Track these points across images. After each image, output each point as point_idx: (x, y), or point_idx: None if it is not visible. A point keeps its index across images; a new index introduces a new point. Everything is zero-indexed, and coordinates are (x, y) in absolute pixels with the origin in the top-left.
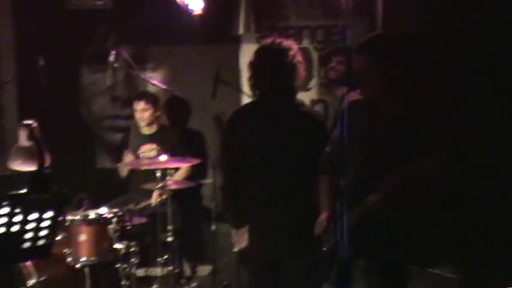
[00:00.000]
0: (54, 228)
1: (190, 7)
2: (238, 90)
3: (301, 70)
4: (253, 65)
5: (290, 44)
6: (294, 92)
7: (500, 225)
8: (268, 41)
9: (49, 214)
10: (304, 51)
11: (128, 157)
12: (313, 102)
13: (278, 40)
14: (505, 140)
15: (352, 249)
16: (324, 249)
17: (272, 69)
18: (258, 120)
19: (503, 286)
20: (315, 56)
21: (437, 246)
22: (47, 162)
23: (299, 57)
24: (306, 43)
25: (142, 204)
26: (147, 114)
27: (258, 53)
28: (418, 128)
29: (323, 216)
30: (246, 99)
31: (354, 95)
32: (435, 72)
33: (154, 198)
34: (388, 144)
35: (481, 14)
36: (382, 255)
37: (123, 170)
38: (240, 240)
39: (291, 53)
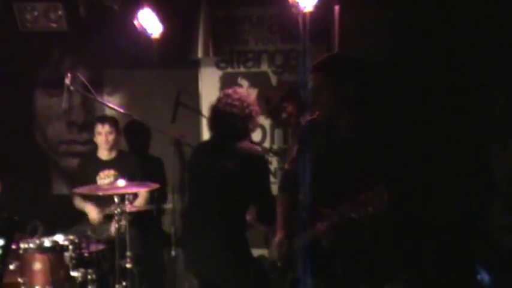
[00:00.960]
0: (5, 256)
1: (148, 31)
2: (198, 113)
3: (256, 120)
4: (213, 109)
5: (249, 94)
6: (245, 135)
7: (448, 244)
8: (230, 90)
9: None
10: (263, 76)
11: (91, 210)
12: (273, 126)
13: (239, 89)
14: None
15: (304, 269)
16: (279, 264)
17: (229, 115)
18: (203, 156)
19: None
20: (273, 80)
21: (389, 267)
22: None
23: (256, 107)
24: (264, 67)
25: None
26: (111, 138)
27: (220, 99)
28: (365, 153)
29: (276, 239)
30: (205, 123)
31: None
32: (389, 97)
33: (113, 228)
34: (338, 166)
35: (439, 38)
36: (333, 275)
37: (79, 204)
38: None
39: (249, 101)
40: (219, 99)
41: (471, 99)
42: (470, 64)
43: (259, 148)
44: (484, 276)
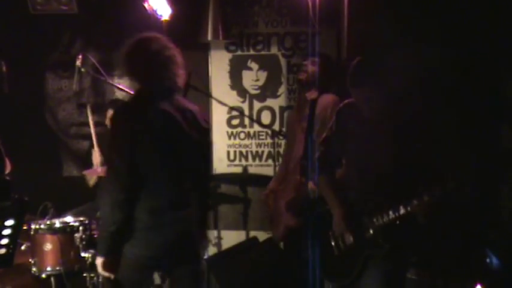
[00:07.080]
0: (15, 236)
1: (158, 13)
2: (208, 96)
3: None
4: None
5: None
6: None
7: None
8: None
9: (10, 222)
10: (273, 58)
11: (96, 157)
12: (282, 108)
13: None
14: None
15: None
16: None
17: None
18: None
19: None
20: (283, 62)
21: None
22: (8, 169)
23: None
24: (274, 50)
25: None
26: None
27: None
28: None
29: (338, 217)
30: (215, 105)
31: (327, 98)
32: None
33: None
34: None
35: (449, 18)
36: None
37: (91, 179)
38: None
39: None
40: None
41: (482, 80)
42: (482, 43)
43: None
44: (493, 260)
